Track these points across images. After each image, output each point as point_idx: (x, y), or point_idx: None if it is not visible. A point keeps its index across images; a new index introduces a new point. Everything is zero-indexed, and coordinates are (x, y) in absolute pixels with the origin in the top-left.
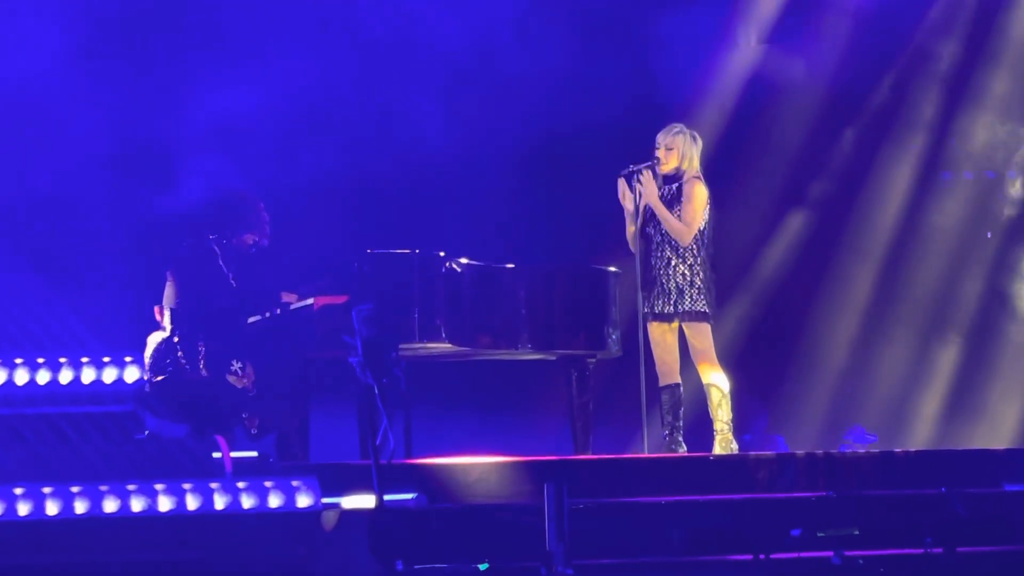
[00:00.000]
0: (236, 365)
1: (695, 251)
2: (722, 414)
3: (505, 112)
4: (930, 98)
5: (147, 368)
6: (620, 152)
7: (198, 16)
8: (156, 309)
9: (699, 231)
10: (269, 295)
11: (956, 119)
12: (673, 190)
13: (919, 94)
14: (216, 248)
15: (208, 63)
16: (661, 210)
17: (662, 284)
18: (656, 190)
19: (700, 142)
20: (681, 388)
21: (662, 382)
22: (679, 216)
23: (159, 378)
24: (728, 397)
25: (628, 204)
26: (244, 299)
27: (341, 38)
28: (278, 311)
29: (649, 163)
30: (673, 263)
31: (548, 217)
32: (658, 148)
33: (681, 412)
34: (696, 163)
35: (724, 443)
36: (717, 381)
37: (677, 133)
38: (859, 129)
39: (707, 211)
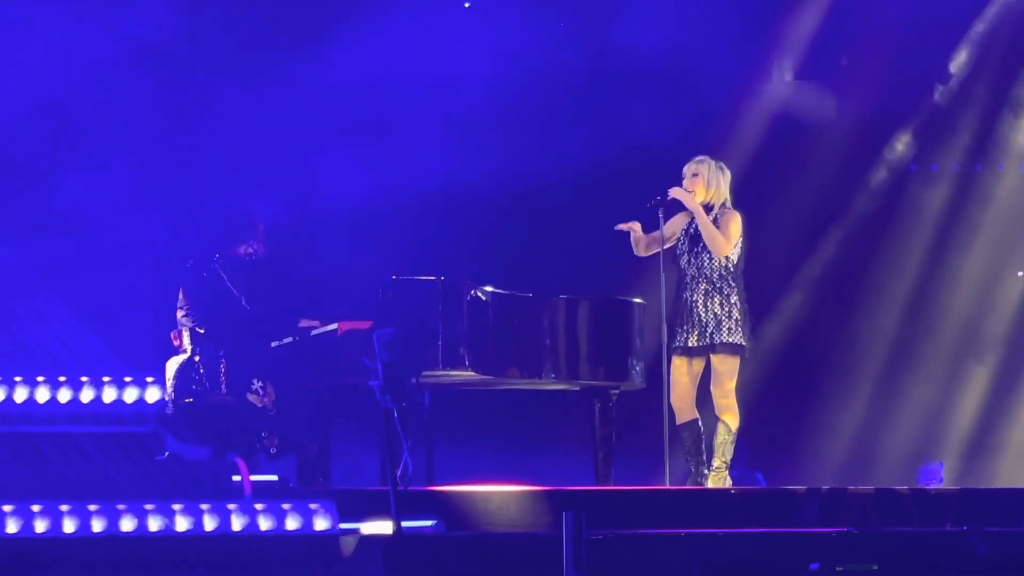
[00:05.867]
0: (257, 384)
1: (730, 283)
2: (724, 452)
3: (533, 142)
4: (958, 142)
5: (170, 392)
6: (648, 184)
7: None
8: (172, 335)
9: (734, 264)
10: (286, 320)
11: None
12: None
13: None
14: (221, 272)
15: (228, 85)
16: (703, 218)
17: (698, 317)
18: (686, 201)
19: (728, 173)
20: (700, 422)
21: (681, 419)
22: (732, 258)
23: (186, 400)
24: (734, 437)
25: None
26: (258, 320)
27: (373, 58)
28: (298, 337)
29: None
30: (710, 295)
31: (575, 247)
32: (684, 179)
33: (703, 446)
34: (726, 192)
35: (718, 481)
36: (729, 420)
37: (701, 161)
38: (885, 170)
39: (741, 243)
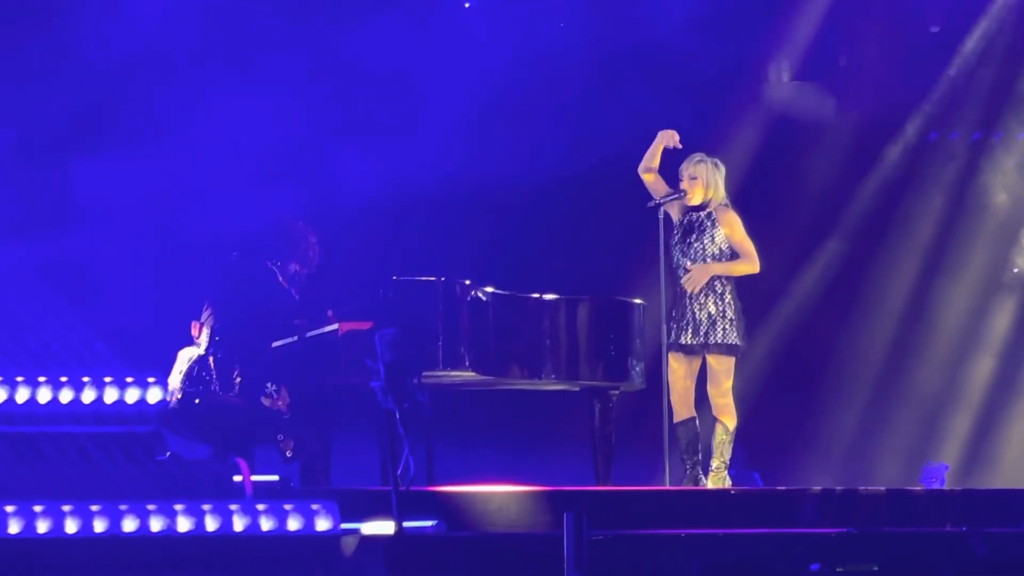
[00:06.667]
0: (271, 387)
1: (724, 280)
2: (723, 452)
3: (535, 143)
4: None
5: (177, 384)
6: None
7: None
8: (193, 324)
9: (727, 260)
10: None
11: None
12: (702, 217)
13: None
14: (275, 269)
15: (229, 85)
16: (723, 269)
17: (693, 315)
18: (705, 279)
19: (723, 168)
20: (697, 421)
21: (678, 417)
22: (724, 249)
23: (193, 398)
24: (732, 437)
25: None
26: (305, 313)
27: (374, 59)
28: (301, 336)
29: (676, 195)
30: (704, 292)
31: (575, 248)
32: (682, 179)
33: (699, 445)
34: (722, 190)
35: (718, 481)
36: (727, 420)
37: (699, 162)
38: (885, 174)
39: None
